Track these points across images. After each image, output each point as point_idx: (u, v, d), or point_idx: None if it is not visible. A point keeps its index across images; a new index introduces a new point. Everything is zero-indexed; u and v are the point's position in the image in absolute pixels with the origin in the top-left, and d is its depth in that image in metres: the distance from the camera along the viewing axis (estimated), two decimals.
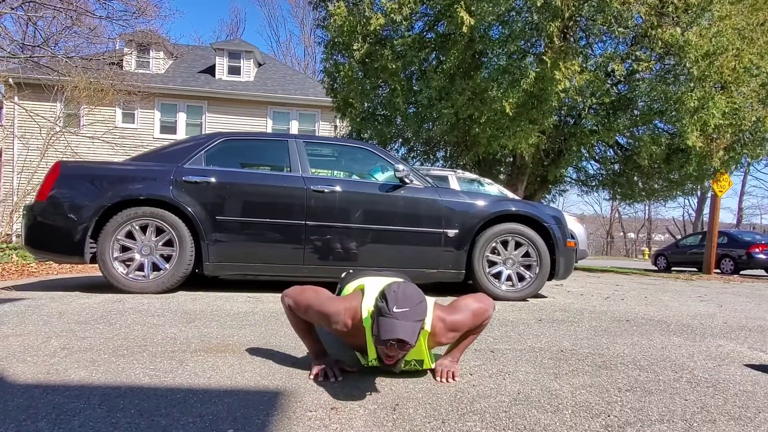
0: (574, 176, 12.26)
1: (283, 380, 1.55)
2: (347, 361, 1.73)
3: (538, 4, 6.78)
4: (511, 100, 7.20)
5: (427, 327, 1.51)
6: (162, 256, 3.46)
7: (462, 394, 1.47)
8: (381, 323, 1.33)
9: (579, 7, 7.23)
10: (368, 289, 1.59)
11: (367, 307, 1.51)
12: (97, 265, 3.42)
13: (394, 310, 1.32)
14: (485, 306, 1.65)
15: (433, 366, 1.65)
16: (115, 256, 3.37)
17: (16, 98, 12.74)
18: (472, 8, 7.21)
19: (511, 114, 7.28)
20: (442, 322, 1.57)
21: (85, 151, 12.34)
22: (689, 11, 7.34)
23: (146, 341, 2.00)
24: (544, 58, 7.20)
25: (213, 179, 3.55)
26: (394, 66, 8.29)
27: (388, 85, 9.10)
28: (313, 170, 3.93)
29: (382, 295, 1.37)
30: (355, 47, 8.35)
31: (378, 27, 7.97)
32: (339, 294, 1.86)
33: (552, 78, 7.02)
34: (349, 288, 1.78)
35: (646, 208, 40.72)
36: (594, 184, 11.82)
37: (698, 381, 1.71)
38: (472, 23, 7.16)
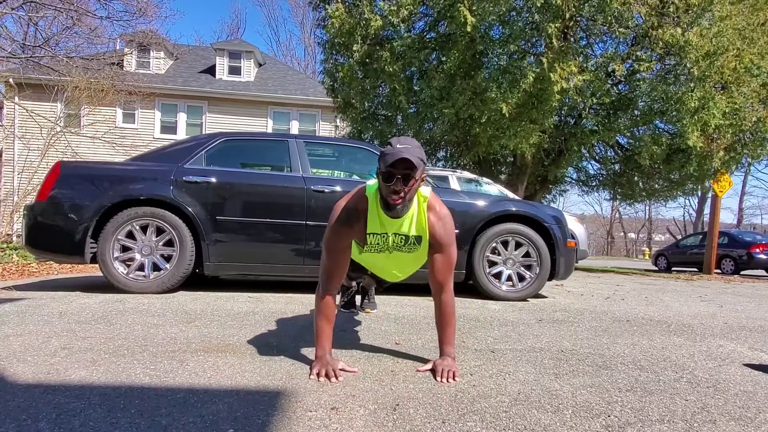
0: (575, 176, 12.27)
1: (283, 380, 1.55)
2: (347, 361, 1.73)
3: (538, 5, 6.78)
4: (509, 101, 7.20)
5: (426, 193, 1.66)
6: (162, 256, 3.46)
7: (462, 395, 1.47)
8: (385, 156, 1.49)
9: (579, 7, 7.23)
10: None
11: (371, 182, 1.68)
12: (97, 265, 3.42)
13: (397, 146, 1.50)
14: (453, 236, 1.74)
15: (426, 258, 1.74)
16: (115, 256, 3.37)
17: (16, 98, 12.75)
18: (473, 8, 7.21)
19: (508, 115, 7.28)
20: (436, 202, 1.69)
21: (86, 151, 12.34)
22: (690, 11, 7.34)
23: (147, 341, 2.00)
24: (542, 59, 7.21)
25: (213, 179, 3.55)
26: (393, 68, 8.29)
27: (389, 85, 9.10)
28: (314, 170, 3.93)
29: (386, 143, 1.55)
30: (354, 48, 8.34)
31: (376, 29, 7.97)
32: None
33: (548, 79, 7.03)
34: None
35: (647, 208, 40.73)
36: (594, 184, 11.82)
37: (699, 381, 1.71)
38: (474, 22, 7.16)
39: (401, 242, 1.68)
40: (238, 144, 3.95)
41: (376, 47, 8.59)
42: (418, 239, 1.68)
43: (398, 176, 1.48)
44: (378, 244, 1.68)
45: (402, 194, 1.51)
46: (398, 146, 1.49)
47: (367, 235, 1.66)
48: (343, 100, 10.08)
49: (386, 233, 1.67)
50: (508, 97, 7.19)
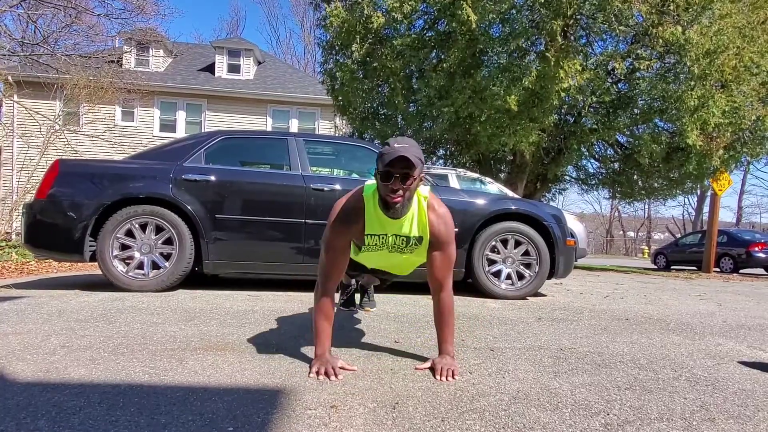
0: (574, 175, 12.26)
1: (282, 378, 1.55)
2: (347, 359, 1.73)
3: (542, 0, 6.76)
4: (513, 97, 7.19)
5: (426, 192, 1.68)
6: (162, 254, 3.46)
7: (461, 393, 1.47)
8: (384, 156, 1.49)
9: (580, 5, 7.21)
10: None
11: (369, 183, 1.69)
12: (96, 264, 3.42)
13: (395, 145, 1.50)
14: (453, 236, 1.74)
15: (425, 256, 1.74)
16: (114, 254, 3.37)
17: (15, 96, 12.71)
18: (476, 5, 7.19)
19: (515, 109, 7.26)
20: (435, 200, 1.70)
21: (85, 149, 12.31)
22: (690, 9, 7.33)
23: (146, 339, 2.00)
24: (548, 55, 7.19)
25: (213, 177, 3.55)
26: (393, 65, 8.27)
27: (388, 84, 9.09)
28: (313, 168, 3.92)
29: (384, 144, 1.55)
30: (353, 48, 8.33)
31: (378, 26, 7.95)
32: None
33: (555, 76, 7.01)
34: None
35: (646, 206, 40.69)
36: (594, 182, 11.81)
37: (697, 379, 1.71)
38: (476, 20, 7.14)
39: (402, 244, 1.68)
40: (237, 142, 3.94)
41: (376, 46, 8.58)
42: (420, 240, 1.68)
43: (396, 175, 1.49)
44: (376, 244, 1.68)
45: (401, 193, 1.51)
46: (396, 146, 1.49)
47: (365, 236, 1.66)
48: (344, 101, 10.06)
49: (386, 234, 1.67)
50: (511, 93, 7.18)
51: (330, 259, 1.67)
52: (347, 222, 1.65)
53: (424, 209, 1.66)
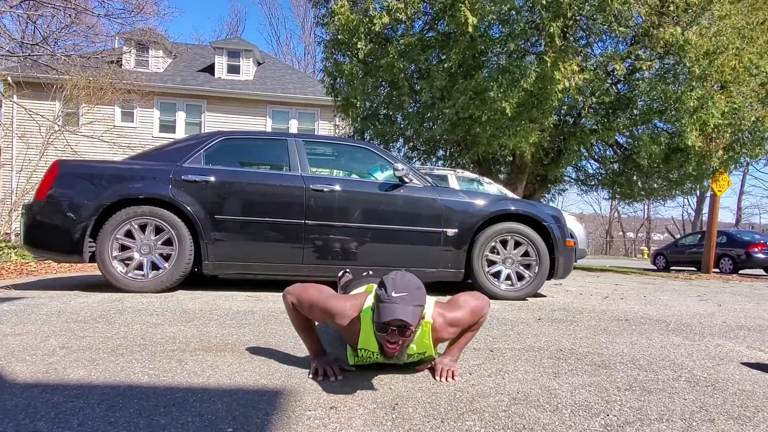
0: (574, 175, 12.26)
1: (282, 379, 1.55)
2: (346, 360, 1.73)
3: (544, 2, 6.76)
4: (511, 101, 7.20)
5: (429, 318, 1.55)
6: (161, 255, 3.45)
7: (461, 394, 1.47)
8: (381, 308, 1.36)
9: (581, 6, 7.22)
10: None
11: (371, 302, 1.53)
12: (96, 264, 3.41)
13: (393, 294, 1.35)
14: (482, 304, 1.67)
15: (436, 356, 1.67)
16: (114, 255, 3.37)
17: (15, 97, 12.71)
18: (476, 6, 7.19)
19: (510, 114, 7.27)
20: (442, 317, 1.59)
21: (85, 149, 12.31)
22: (689, 11, 7.35)
23: (145, 340, 2.00)
24: (545, 57, 7.20)
25: (212, 178, 3.54)
26: (400, 65, 8.28)
27: (390, 84, 9.09)
28: (313, 169, 3.92)
29: (381, 284, 1.40)
30: (359, 46, 8.34)
31: (381, 26, 7.95)
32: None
33: (552, 77, 7.01)
34: (360, 290, 1.79)
35: (646, 207, 40.74)
36: (593, 183, 11.82)
37: (697, 380, 1.71)
38: (475, 22, 7.15)
39: (405, 355, 1.58)
40: (237, 143, 3.94)
41: (378, 45, 8.58)
42: (422, 353, 1.61)
43: (394, 329, 1.37)
44: (370, 357, 1.59)
45: (399, 344, 1.41)
46: (394, 294, 1.35)
47: (359, 349, 1.57)
48: (345, 100, 10.06)
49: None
50: (509, 96, 7.18)
51: (309, 313, 1.60)
52: (338, 326, 1.57)
53: (428, 333, 1.56)
